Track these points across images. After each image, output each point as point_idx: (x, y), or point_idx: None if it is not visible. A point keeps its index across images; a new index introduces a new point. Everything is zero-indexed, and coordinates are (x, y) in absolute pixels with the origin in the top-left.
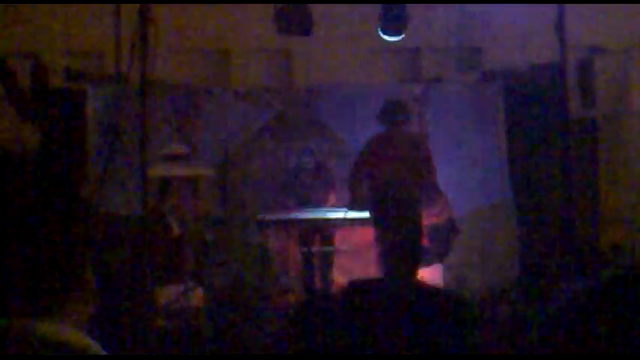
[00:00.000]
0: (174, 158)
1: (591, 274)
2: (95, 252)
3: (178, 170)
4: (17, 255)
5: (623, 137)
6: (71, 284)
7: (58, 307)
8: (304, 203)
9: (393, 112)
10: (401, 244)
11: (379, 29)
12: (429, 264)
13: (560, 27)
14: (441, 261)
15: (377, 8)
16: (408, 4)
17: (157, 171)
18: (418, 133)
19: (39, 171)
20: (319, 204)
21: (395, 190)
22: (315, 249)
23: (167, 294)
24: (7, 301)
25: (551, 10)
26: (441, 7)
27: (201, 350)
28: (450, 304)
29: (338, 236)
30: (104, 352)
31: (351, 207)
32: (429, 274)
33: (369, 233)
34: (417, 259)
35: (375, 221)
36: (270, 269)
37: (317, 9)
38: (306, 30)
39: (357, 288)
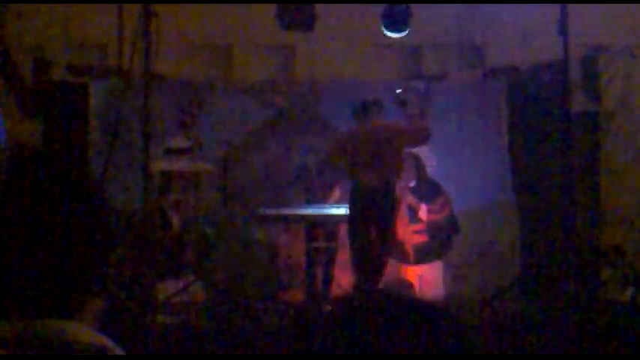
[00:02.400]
0: (175, 153)
1: (592, 274)
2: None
3: (180, 165)
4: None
5: (625, 136)
6: (88, 281)
7: (75, 304)
8: (309, 199)
9: (365, 111)
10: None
11: (382, 26)
12: (429, 261)
13: (563, 25)
14: (441, 259)
15: (380, 5)
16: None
17: (159, 166)
18: (393, 122)
19: (46, 166)
20: (324, 199)
21: (365, 189)
22: (318, 245)
23: (167, 289)
24: (23, 301)
25: (554, 8)
26: (443, 5)
27: (201, 346)
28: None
29: (341, 232)
30: (121, 351)
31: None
32: (430, 272)
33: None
34: (386, 255)
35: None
36: (271, 265)
37: (319, 5)
38: (308, 26)
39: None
